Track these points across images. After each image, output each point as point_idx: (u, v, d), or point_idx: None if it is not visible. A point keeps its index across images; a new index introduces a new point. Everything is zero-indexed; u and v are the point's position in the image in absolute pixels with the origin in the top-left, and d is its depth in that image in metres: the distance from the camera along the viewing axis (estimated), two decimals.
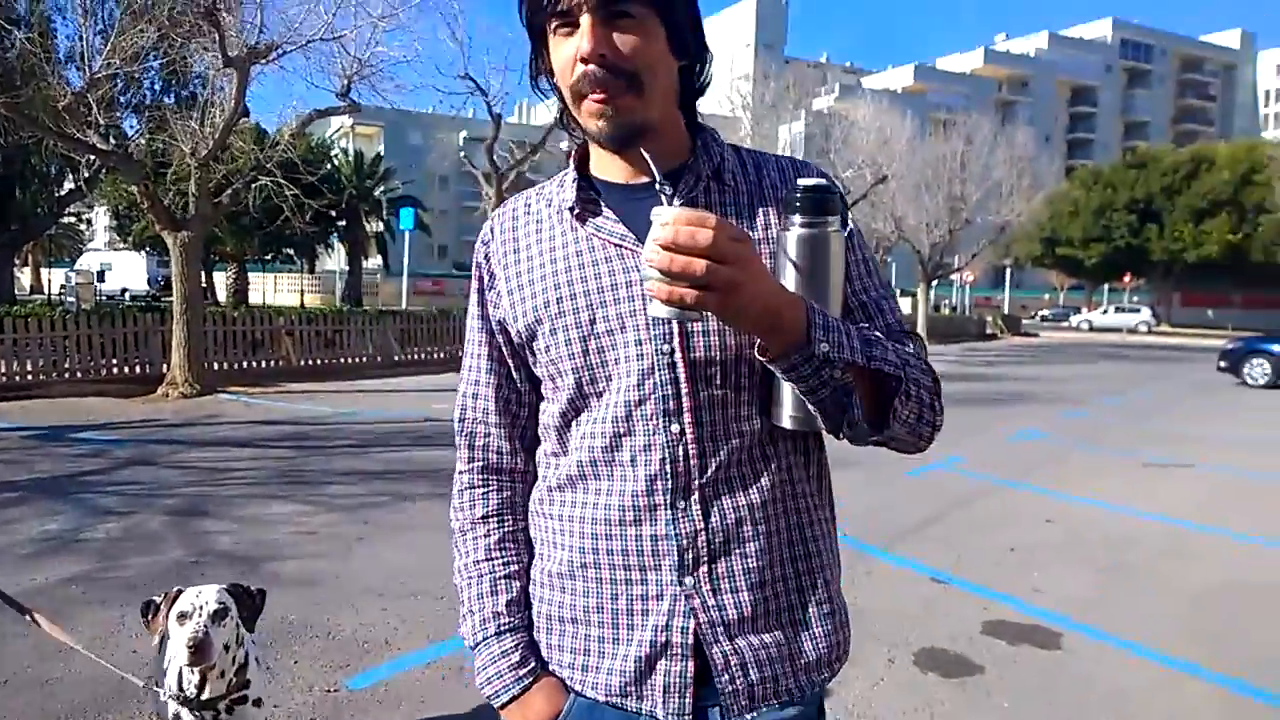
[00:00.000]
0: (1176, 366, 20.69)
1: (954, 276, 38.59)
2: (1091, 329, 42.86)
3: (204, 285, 17.07)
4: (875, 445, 1.07)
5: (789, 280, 0.99)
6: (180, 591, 2.03)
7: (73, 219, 39.20)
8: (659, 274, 0.84)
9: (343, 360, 14.24)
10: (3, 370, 10.94)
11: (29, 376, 11.10)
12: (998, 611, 4.20)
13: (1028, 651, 3.76)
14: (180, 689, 2.00)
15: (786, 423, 1.05)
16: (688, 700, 1.07)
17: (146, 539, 5.04)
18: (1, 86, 10.51)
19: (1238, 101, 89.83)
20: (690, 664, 1.07)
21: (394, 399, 11.53)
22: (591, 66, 1.01)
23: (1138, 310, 43.31)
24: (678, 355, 1.06)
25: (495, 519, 1.21)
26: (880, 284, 1.16)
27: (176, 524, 5.36)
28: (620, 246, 1.10)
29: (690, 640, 1.07)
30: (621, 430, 1.08)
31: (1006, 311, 43.12)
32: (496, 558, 1.20)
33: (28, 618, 2.09)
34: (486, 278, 1.20)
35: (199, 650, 1.93)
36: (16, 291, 27.40)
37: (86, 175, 21.02)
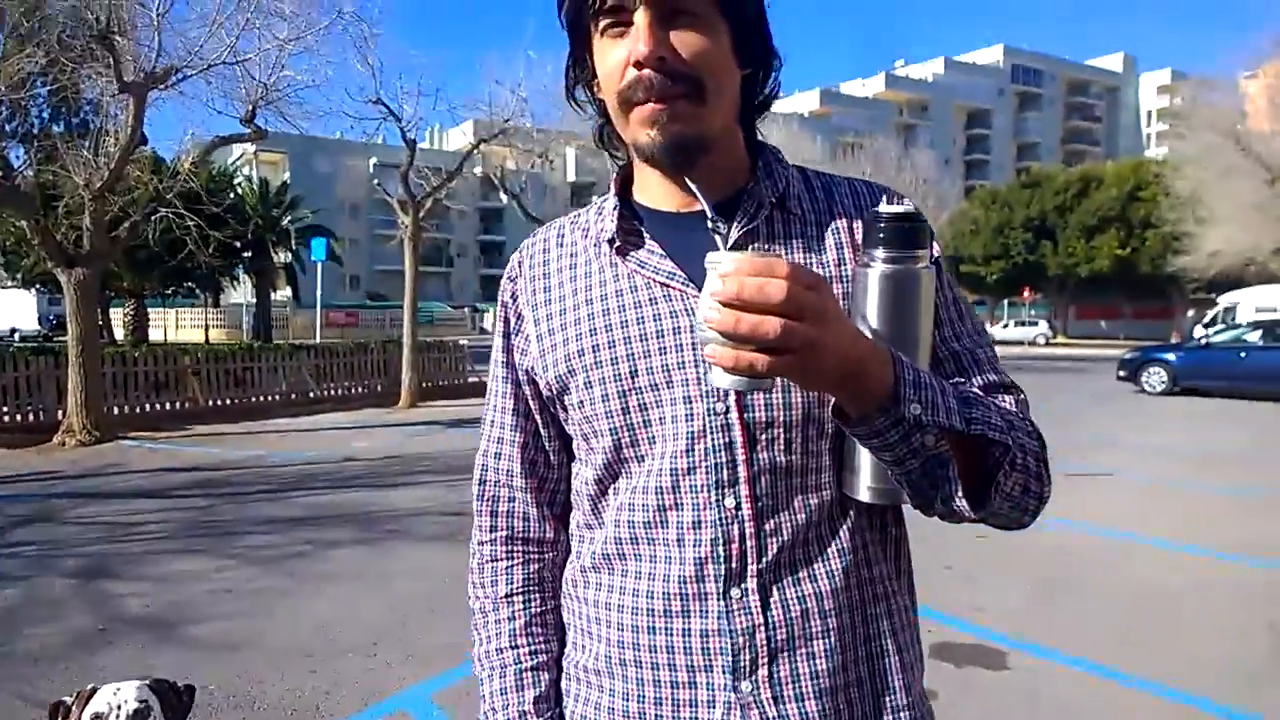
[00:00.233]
0: (1077, 377, 21.50)
1: None
2: (994, 343, 44.52)
3: (100, 323, 16.24)
4: (970, 523, 0.90)
5: (870, 327, 0.84)
6: (95, 690, 1.81)
7: None
8: (720, 336, 0.68)
9: (254, 399, 13.68)
10: None
11: None
12: (942, 634, 4.20)
13: (976, 674, 3.78)
14: None
15: (864, 495, 0.90)
16: None
17: (48, 605, 4.67)
18: None
19: (1122, 122, 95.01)
20: None
21: (311, 439, 11.10)
22: (647, 71, 0.87)
23: (1036, 324, 45.05)
24: (733, 416, 0.91)
25: (521, 598, 1.06)
26: (974, 329, 1.00)
27: (80, 587, 5.00)
28: (668, 286, 0.95)
29: None
30: (666, 503, 0.93)
31: None
32: (523, 645, 1.04)
33: None
34: (513, 319, 1.06)
35: None
36: None
37: None
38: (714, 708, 0.92)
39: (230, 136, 12.21)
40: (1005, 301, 51.77)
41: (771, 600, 0.92)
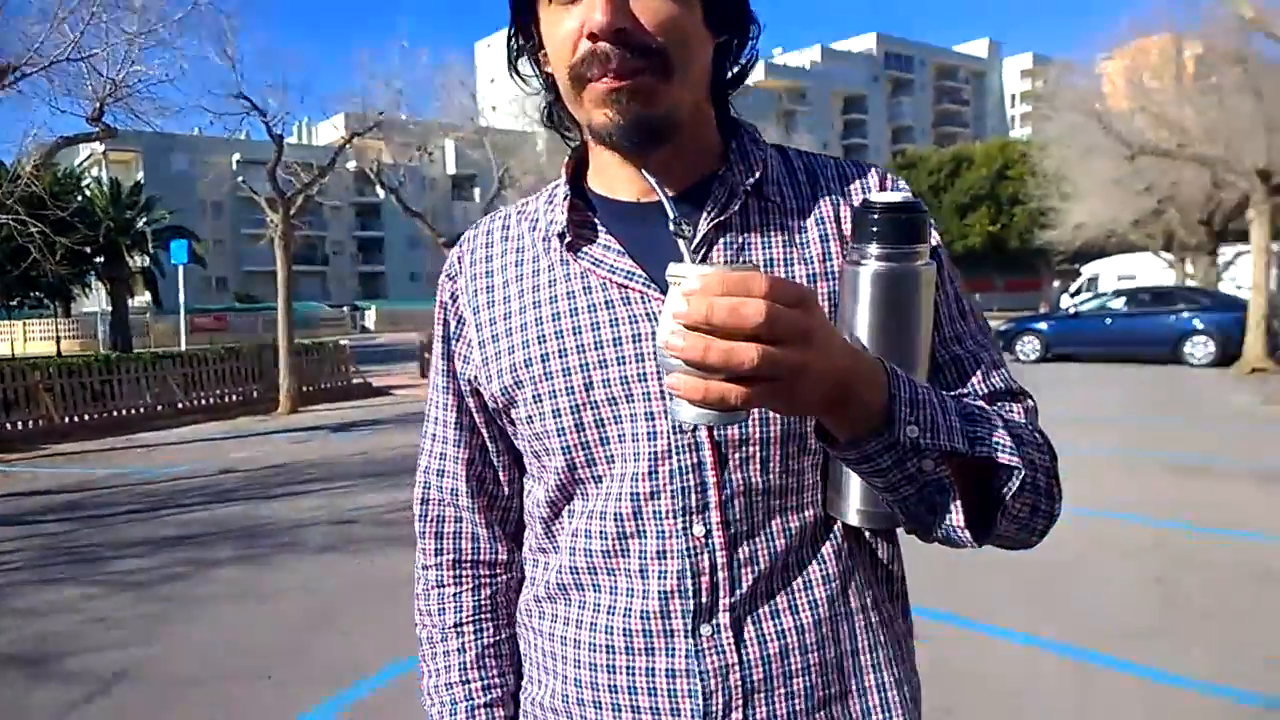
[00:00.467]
0: None
1: None
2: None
3: None
4: (961, 548, 0.80)
5: (859, 333, 0.74)
6: None
7: None
8: (684, 365, 0.58)
9: (116, 413, 12.83)
10: None
11: None
12: None
13: None
14: None
15: (853, 519, 0.82)
16: None
17: None
18: None
19: (988, 105, 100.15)
20: None
21: (183, 452, 10.48)
22: (603, 44, 0.76)
23: None
24: (702, 433, 0.82)
25: (472, 627, 0.96)
26: (978, 328, 0.89)
27: None
28: (626, 287, 0.85)
29: None
30: (627, 530, 0.84)
31: None
32: (474, 679, 0.95)
33: None
34: (453, 322, 0.95)
35: None
36: None
37: None
38: None
39: (76, 136, 11.40)
40: None
41: (746, 636, 0.82)
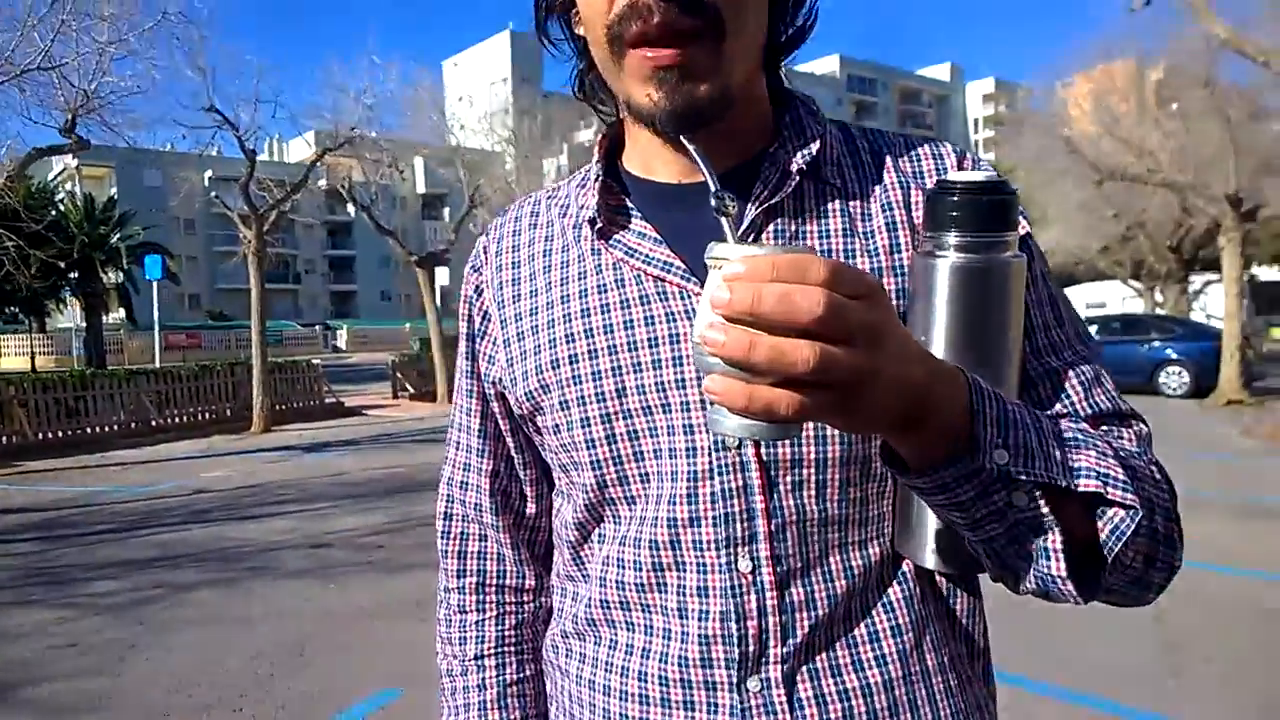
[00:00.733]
0: None
1: None
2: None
3: None
4: (1060, 603, 0.65)
5: (933, 338, 0.63)
6: None
7: None
8: (725, 365, 0.48)
9: (89, 430, 12.67)
10: None
11: None
12: None
13: None
14: None
15: (927, 560, 0.70)
16: None
17: None
18: None
19: (951, 129, 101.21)
20: None
21: (156, 470, 10.36)
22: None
23: None
24: (748, 451, 0.71)
25: (494, 660, 0.89)
26: (1078, 335, 0.75)
27: None
28: (662, 279, 0.75)
29: None
30: (664, 561, 0.73)
31: None
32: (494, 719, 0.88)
33: None
34: (478, 319, 0.86)
35: None
36: None
37: None
38: None
39: (49, 148, 11.27)
40: None
41: (801, 695, 0.71)
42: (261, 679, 4.02)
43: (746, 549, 0.71)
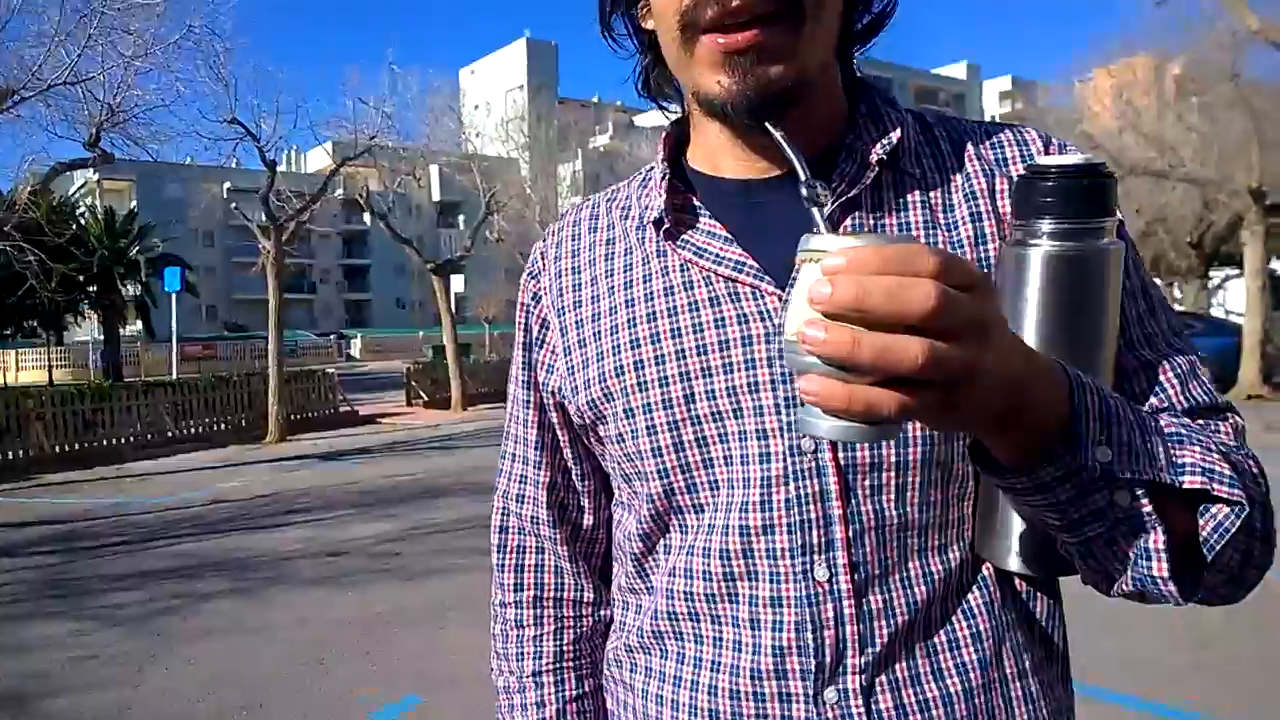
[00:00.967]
0: None
1: None
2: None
3: None
4: (1154, 604, 0.63)
5: (1024, 332, 0.60)
6: None
7: None
8: (822, 364, 0.45)
9: (107, 442, 12.72)
10: None
11: None
12: None
13: None
14: None
15: (1012, 564, 0.67)
16: None
17: None
18: None
19: None
20: None
21: (173, 481, 10.39)
22: None
23: None
24: (825, 455, 0.68)
25: (553, 677, 0.86)
26: (1171, 327, 0.72)
27: None
28: (735, 280, 0.72)
29: None
30: (735, 570, 0.71)
31: None
32: None
33: None
34: (535, 327, 0.84)
35: None
36: None
37: None
38: None
39: (73, 162, 11.40)
40: None
41: (881, 706, 0.69)
42: (283, 685, 3.99)
43: (823, 556, 0.69)
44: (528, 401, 0.87)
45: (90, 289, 28.92)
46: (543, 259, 0.85)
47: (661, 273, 0.76)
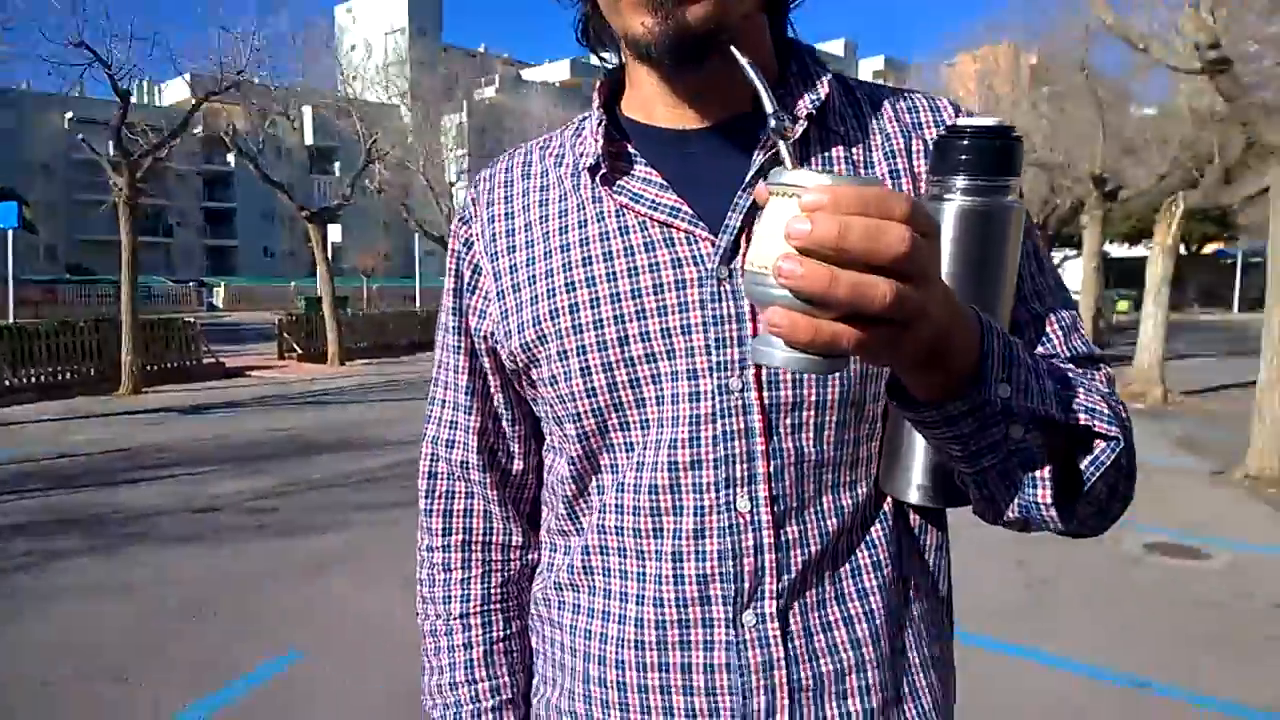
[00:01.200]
0: None
1: None
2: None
3: None
4: (1034, 531, 0.71)
5: None
6: None
7: None
8: (791, 297, 0.47)
9: None
10: None
11: None
12: None
13: None
14: None
15: (913, 496, 0.73)
16: None
17: None
18: None
19: None
20: None
21: (14, 434, 9.61)
22: None
23: None
24: (751, 395, 0.72)
25: (480, 618, 0.88)
26: (1057, 284, 0.79)
27: None
28: (669, 226, 0.74)
29: None
30: (662, 505, 0.74)
31: None
32: (482, 679, 0.87)
33: None
34: (467, 273, 0.84)
35: None
36: None
37: None
38: None
39: None
40: None
41: (793, 628, 0.74)
42: (149, 647, 3.80)
43: (745, 489, 0.73)
44: (458, 348, 0.87)
45: None
46: (474, 205, 0.86)
47: (597, 218, 0.77)
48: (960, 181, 0.64)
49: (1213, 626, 4.06)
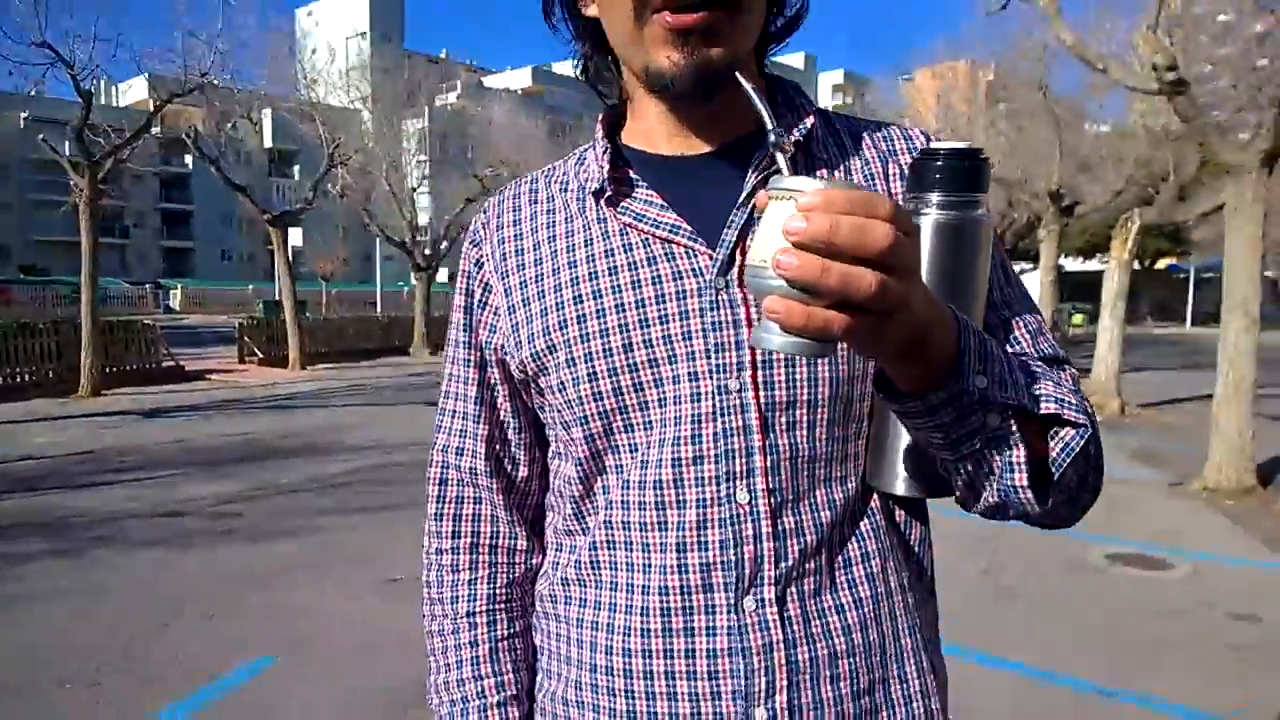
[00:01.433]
0: None
1: None
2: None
3: None
4: (1011, 520, 0.76)
5: None
6: None
7: None
8: (787, 286, 0.53)
9: None
10: None
11: None
12: None
13: None
14: None
15: (899, 487, 0.79)
16: None
17: None
18: None
19: None
20: None
21: None
22: None
23: None
24: (749, 395, 0.78)
25: (486, 617, 0.92)
26: (1023, 293, 0.86)
27: None
28: (670, 242, 0.81)
29: None
30: (666, 499, 0.79)
31: None
32: (488, 676, 0.90)
33: None
34: (477, 291, 0.90)
35: None
36: None
37: None
38: None
39: None
40: None
41: (790, 613, 0.79)
42: (120, 652, 3.78)
43: (745, 482, 0.78)
44: (468, 361, 0.92)
45: None
46: (484, 229, 0.92)
47: (602, 236, 0.83)
48: (935, 197, 0.71)
49: (1175, 635, 4.10)
